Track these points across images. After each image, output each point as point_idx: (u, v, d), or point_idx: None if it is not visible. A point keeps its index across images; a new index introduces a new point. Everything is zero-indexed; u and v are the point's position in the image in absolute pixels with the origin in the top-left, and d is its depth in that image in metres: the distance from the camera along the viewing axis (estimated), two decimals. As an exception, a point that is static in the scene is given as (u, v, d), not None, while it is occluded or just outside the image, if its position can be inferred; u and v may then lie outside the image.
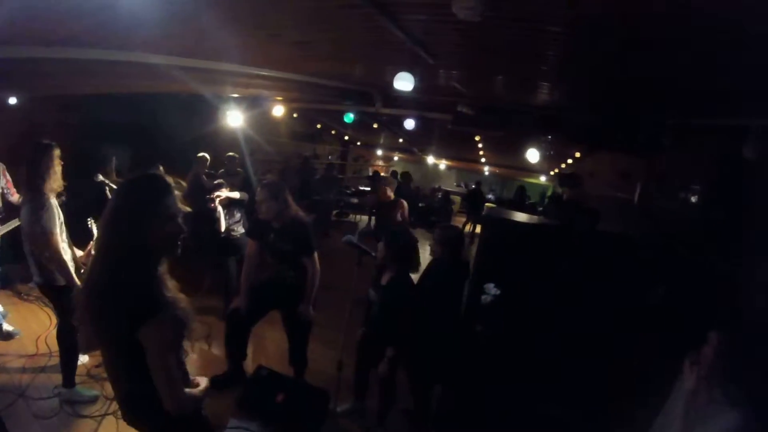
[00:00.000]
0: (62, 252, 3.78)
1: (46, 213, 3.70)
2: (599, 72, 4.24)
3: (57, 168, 3.85)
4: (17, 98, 6.92)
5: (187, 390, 2.02)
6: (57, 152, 3.87)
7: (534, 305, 4.32)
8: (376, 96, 7.68)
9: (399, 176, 12.59)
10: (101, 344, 1.99)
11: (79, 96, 7.33)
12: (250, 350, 4.65)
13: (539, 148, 8.77)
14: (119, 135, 7.87)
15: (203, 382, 2.20)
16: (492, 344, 4.36)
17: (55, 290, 3.92)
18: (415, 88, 5.19)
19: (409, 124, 8.16)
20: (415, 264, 4.25)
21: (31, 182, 3.76)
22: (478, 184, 15.97)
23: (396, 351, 3.79)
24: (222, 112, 7.33)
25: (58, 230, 3.76)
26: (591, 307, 4.16)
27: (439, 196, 18.69)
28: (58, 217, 3.81)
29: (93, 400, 4.18)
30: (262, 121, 9.31)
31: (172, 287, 1.92)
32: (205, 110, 7.58)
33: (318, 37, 4.20)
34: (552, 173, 17.89)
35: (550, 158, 12.25)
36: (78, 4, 3.17)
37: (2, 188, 5.28)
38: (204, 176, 6.39)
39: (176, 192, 1.93)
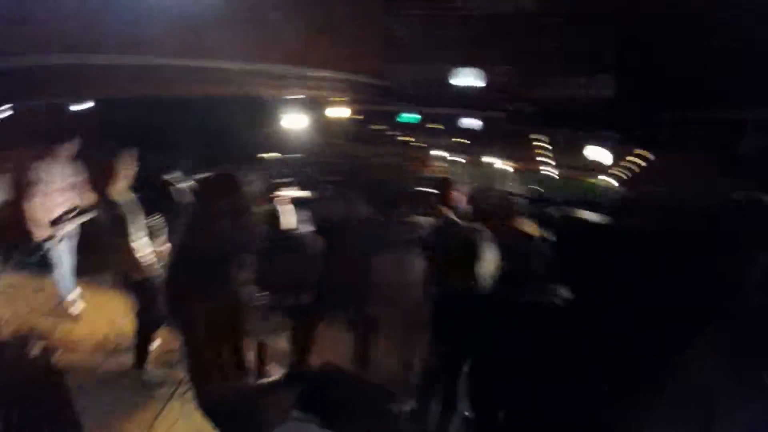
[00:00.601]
0: (136, 250, 4.05)
1: (118, 214, 4.01)
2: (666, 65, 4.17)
3: (124, 169, 4.12)
4: (89, 102, 7.42)
5: (225, 385, 2.22)
6: (122, 154, 4.14)
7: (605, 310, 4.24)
8: (431, 96, 7.75)
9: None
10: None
11: (147, 99, 7.71)
12: (316, 346, 4.81)
13: (595, 146, 8.59)
14: (184, 138, 8.23)
15: (274, 371, 2.26)
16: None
17: (131, 284, 4.26)
18: (472, 85, 5.22)
19: (466, 122, 8.21)
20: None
21: (100, 184, 4.12)
22: (541, 187, 15.78)
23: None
24: (284, 114, 7.53)
25: (130, 230, 4.03)
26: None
27: (499, 200, 18.33)
28: (132, 216, 4.06)
29: (160, 383, 4.52)
30: (320, 124, 9.50)
31: (237, 280, 2.09)
32: (269, 113, 7.80)
33: (371, 33, 4.25)
34: (611, 173, 17.29)
35: (609, 157, 11.98)
36: (148, 11, 3.35)
37: (79, 185, 5.71)
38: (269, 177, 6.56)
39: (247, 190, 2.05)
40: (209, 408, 2.31)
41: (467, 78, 4.71)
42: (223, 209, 2.05)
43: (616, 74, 4.81)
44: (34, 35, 4.08)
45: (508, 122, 7.61)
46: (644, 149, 9.16)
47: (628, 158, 11.67)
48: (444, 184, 7.78)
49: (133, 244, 4.05)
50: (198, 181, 2.11)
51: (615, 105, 6.43)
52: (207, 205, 2.08)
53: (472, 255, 4.12)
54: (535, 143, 12.54)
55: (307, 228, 6.00)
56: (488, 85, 5.95)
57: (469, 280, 3.97)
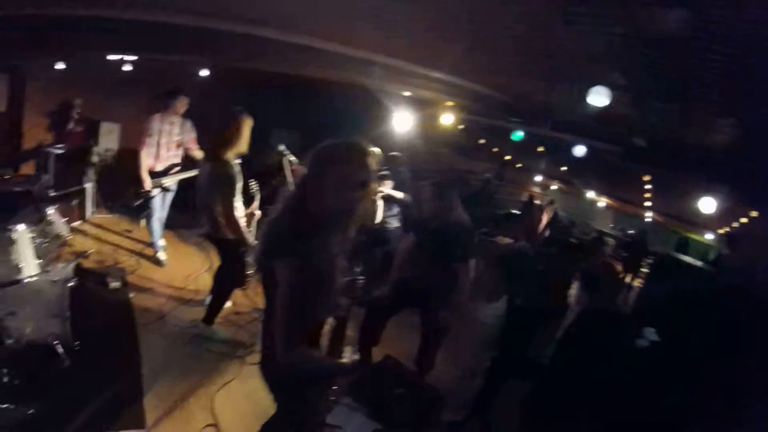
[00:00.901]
0: (236, 211, 4.14)
1: (228, 176, 4.07)
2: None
3: (245, 134, 4.21)
4: (209, 70, 7.75)
5: (311, 351, 2.03)
6: (247, 120, 4.22)
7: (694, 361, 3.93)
8: (547, 117, 7.49)
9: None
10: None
11: (266, 74, 7.93)
12: (381, 339, 4.69)
13: (716, 199, 7.92)
14: (293, 118, 8.41)
15: (350, 355, 2.18)
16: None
17: (223, 242, 4.34)
18: (591, 113, 4.98)
19: (579, 151, 7.82)
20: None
21: (217, 145, 4.16)
22: (642, 233, 15.14)
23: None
24: (393, 111, 7.48)
25: (236, 193, 4.11)
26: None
27: (593, 236, 17.74)
28: (237, 180, 4.13)
29: (224, 340, 4.67)
30: (425, 128, 9.41)
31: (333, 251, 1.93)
32: (375, 106, 7.78)
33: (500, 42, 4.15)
34: (721, 232, 16.17)
35: (722, 215, 11.19)
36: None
37: (187, 143, 6.09)
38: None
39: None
40: (268, 373, 2.21)
41: (609, 95, 4.41)
42: (346, 175, 1.90)
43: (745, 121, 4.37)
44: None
45: (621, 157, 7.19)
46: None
47: (742, 219, 10.87)
48: (532, 209, 7.46)
49: (235, 204, 4.14)
50: (323, 146, 1.97)
51: (738, 157, 5.87)
52: (330, 171, 1.92)
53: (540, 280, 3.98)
54: (644, 183, 11.93)
55: (394, 224, 5.99)
56: (610, 113, 5.57)
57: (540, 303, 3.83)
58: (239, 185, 4.16)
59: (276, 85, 8.57)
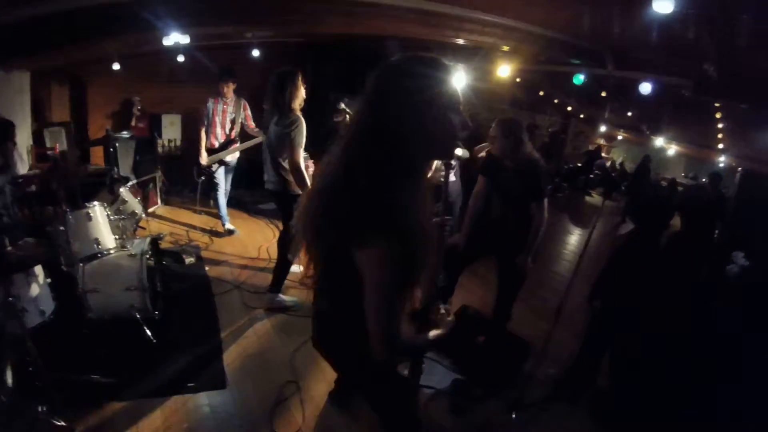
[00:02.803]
0: (302, 161, 4.29)
1: (296, 128, 4.22)
2: None
3: (301, 89, 4.35)
4: (259, 51, 7.88)
5: (405, 335, 1.70)
6: (299, 76, 4.35)
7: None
8: (607, 55, 7.13)
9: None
10: (314, 256, 1.80)
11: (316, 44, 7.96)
12: (458, 290, 4.61)
13: None
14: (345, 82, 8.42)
15: (443, 316, 1.97)
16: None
17: (290, 197, 4.45)
18: (652, 44, 4.67)
19: (644, 88, 7.38)
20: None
21: (278, 101, 4.30)
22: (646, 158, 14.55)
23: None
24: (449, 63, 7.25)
25: (303, 142, 4.28)
26: None
27: (665, 185, 17.03)
28: (303, 130, 4.29)
29: (294, 306, 4.76)
30: (484, 84, 9.16)
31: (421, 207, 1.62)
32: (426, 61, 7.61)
33: None
34: None
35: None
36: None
37: (242, 120, 6.64)
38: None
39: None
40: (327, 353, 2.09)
41: (659, 9, 4.04)
42: (429, 92, 1.59)
43: None
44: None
45: (695, 90, 6.70)
46: None
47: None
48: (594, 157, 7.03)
49: (301, 159, 4.31)
50: (392, 61, 1.66)
51: None
52: (405, 87, 1.59)
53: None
54: (717, 121, 11.19)
55: (453, 177, 5.86)
56: (680, 45, 5.19)
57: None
58: (304, 137, 4.31)
59: (327, 53, 8.65)
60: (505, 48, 7.59)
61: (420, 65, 1.58)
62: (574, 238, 9.32)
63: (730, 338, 3.65)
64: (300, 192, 4.27)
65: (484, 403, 3.65)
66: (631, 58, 6.91)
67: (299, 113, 4.31)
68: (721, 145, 18.04)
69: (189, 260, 5.46)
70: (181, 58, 7.72)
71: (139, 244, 4.27)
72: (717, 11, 4.37)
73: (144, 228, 6.33)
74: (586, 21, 5.59)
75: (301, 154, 4.28)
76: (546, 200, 3.99)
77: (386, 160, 1.51)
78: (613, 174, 17.57)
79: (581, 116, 18.72)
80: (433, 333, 1.86)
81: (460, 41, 7.20)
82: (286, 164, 4.31)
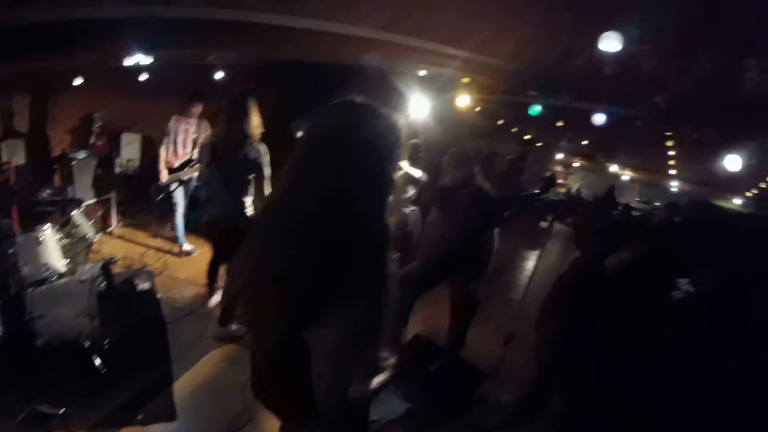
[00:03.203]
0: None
1: (261, 156, 4.10)
2: None
3: (254, 114, 4.19)
4: (225, 71, 7.79)
5: (353, 388, 1.58)
6: (251, 101, 4.20)
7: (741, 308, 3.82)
8: (564, 87, 7.34)
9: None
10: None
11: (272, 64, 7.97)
12: (413, 318, 4.63)
13: (743, 156, 7.53)
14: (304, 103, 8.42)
15: (389, 365, 1.91)
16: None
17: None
18: (608, 76, 4.84)
19: (598, 119, 7.60)
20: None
21: (230, 129, 4.17)
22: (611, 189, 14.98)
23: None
24: (408, 94, 7.40)
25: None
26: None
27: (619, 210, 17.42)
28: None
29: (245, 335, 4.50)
30: (444, 113, 9.30)
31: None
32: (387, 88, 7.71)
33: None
34: (749, 194, 15.59)
35: (752, 173, 10.78)
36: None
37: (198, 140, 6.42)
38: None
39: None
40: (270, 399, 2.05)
41: (621, 39, 4.21)
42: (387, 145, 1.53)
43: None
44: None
45: (646, 119, 6.98)
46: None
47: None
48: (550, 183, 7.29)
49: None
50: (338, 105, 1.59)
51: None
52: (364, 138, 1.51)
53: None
54: (668, 149, 11.60)
55: (411, 206, 5.94)
56: (633, 73, 5.38)
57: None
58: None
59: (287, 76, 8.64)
60: (465, 80, 7.79)
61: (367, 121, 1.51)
62: (531, 263, 9.46)
63: (679, 360, 3.79)
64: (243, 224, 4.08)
65: (439, 432, 3.68)
66: (586, 89, 7.14)
67: (259, 140, 4.17)
68: (673, 171, 18.68)
69: (142, 285, 5.33)
70: (144, 76, 7.60)
71: (91, 269, 4.21)
72: (667, 46, 4.58)
73: (97, 251, 6.14)
74: (543, 54, 5.77)
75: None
76: (497, 229, 4.10)
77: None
78: (570, 199, 17.96)
79: (539, 144, 19.14)
80: (376, 380, 1.79)
81: (422, 72, 7.36)
82: (247, 198, 4.20)
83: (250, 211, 4.21)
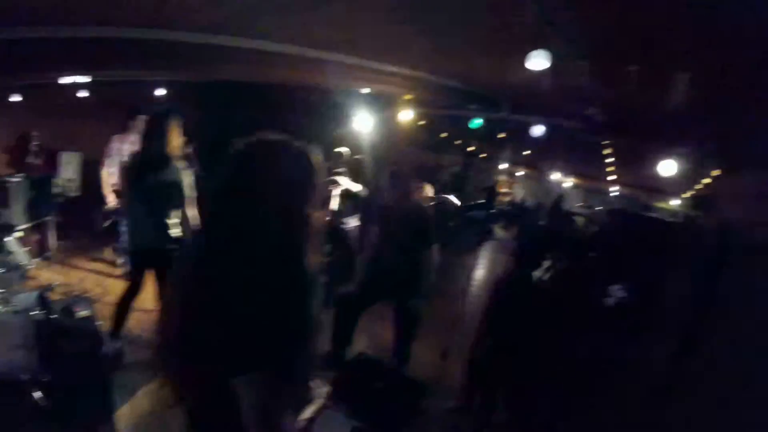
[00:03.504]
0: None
1: (181, 178, 3.99)
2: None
3: (176, 134, 4.02)
4: (165, 88, 7.70)
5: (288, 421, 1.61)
6: (172, 119, 4.02)
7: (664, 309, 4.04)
8: (503, 101, 7.55)
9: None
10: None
11: (214, 83, 7.90)
12: (355, 337, 4.67)
13: (675, 162, 7.96)
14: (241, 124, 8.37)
15: (321, 394, 1.88)
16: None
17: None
18: (544, 90, 4.98)
19: (537, 131, 7.84)
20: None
21: (150, 148, 3.99)
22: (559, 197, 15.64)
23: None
24: (350, 110, 7.53)
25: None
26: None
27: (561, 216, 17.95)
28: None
29: None
30: (388, 127, 9.41)
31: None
32: (332, 107, 7.77)
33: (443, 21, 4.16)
34: (685, 195, 16.33)
35: (685, 177, 11.32)
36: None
37: None
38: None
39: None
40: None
41: (549, 57, 4.36)
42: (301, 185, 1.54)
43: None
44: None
45: (582, 131, 7.25)
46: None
47: (706, 179, 10.94)
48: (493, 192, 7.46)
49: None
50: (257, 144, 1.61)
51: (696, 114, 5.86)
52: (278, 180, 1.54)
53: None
54: (605, 156, 12.01)
55: (354, 219, 5.98)
56: (567, 87, 5.60)
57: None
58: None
59: (231, 94, 8.56)
60: (407, 96, 7.92)
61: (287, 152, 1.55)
62: (478, 273, 9.60)
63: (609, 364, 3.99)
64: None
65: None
66: (524, 103, 7.35)
67: (180, 160, 4.04)
68: (611, 177, 19.34)
69: (81, 313, 5.14)
70: (83, 93, 7.46)
71: (26, 299, 4.06)
72: (599, 60, 4.78)
73: (34, 278, 5.86)
74: (480, 69, 5.92)
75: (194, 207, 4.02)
76: (435, 245, 4.18)
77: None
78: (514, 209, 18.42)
79: (482, 155, 19.54)
80: (309, 410, 1.79)
81: (365, 90, 7.45)
82: (171, 219, 4.02)
83: (175, 234, 4.03)
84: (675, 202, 19.41)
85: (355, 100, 7.47)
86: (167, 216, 3.99)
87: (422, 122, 11.40)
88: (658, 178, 10.28)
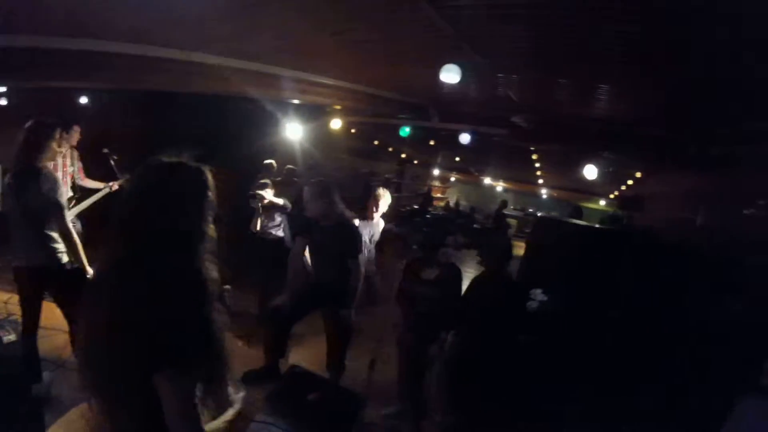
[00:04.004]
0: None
1: (54, 187, 3.73)
2: (668, 74, 4.11)
3: (52, 143, 3.85)
4: (88, 96, 7.46)
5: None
6: (53, 129, 3.85)
7: (585, 312, 4.23)
8: (431, 109, 7.72)
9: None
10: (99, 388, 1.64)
11: (142, 92, 7.72)
12: (288, 349, 4.66)
13: (599, 166, 8.42)
14: (174, 136, 8.18)
15: (235, 403, 1.91)
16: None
17: (65, 274, 3.85)
18: (470, 99, 5.12)
19: (464, 138, 8.02)
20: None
21: (24, 157, 3.76)
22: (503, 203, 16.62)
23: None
24: (281, 120, 7.55)
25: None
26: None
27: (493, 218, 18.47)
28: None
29: None
30: (320, 136, 9.44)
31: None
32: (262, 116, 7.73)
33: (366, 35, 4.25)
34: (612, 196, 17.34)
35: (611, 179, 11.92)
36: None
37: (74, 173, 5.69)
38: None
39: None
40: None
41: (460, 72, 4.54)
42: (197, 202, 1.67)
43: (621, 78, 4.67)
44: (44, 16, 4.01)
45: (509, 137, 7.51)
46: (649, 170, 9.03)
47: (629, 181, 11.63)
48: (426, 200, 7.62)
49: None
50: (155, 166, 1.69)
51: (622, 120, 6.23)
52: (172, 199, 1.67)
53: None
54: (534, 161, 12.53)
55: (281, 231, 5.95)
56: (491, 98, 5.85)
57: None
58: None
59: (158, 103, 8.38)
60: (337, 107, 8.01)
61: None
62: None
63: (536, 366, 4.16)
64: (75, 264, 3.77)
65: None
66: (451, 111, 7.54)
67: (50, 169, 3.80)
68: (540, 180, 20.11)
69: (8, 338, 4.93)
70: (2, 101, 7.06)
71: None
72: (520, 71, 5.00)
73: None
74: (407, 80, 6.05)
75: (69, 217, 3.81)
76: (360, 255, 4.24)
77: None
78: (449, 213, 18.77)
79: (415, 162, 19.91)
80: (226, 415, 1.85)
81: (295, 101, 7.46)
82: (54, 233, 3.76)
83: (60, 249, 3.76)
84: (603, 202, 20.56)
85: (284, 111, 7.48)
86: (45, 230, 3.73)
87: (354, 130, 11.53)
88: (584, 181, 10.83)
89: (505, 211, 18.90)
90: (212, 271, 1.61)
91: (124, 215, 1.61)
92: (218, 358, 1.57)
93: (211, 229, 1.65)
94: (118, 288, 1.52)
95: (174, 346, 1.48)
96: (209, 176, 1.68)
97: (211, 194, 1.66)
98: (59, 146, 3.90)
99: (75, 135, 5.53)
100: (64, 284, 3.81)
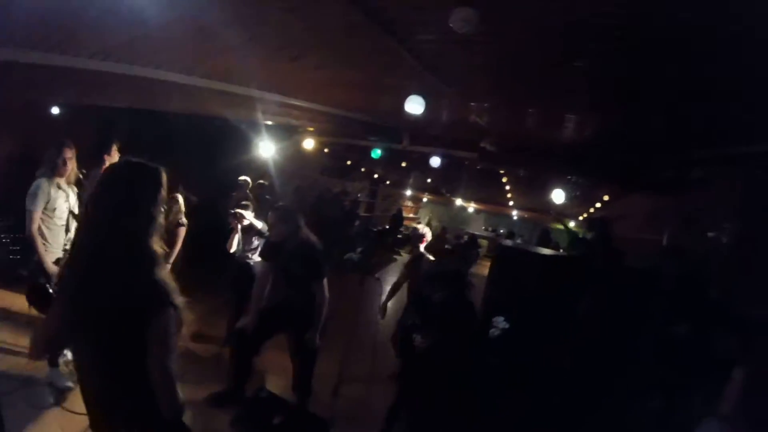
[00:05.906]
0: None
1: None
2: (630, 103, 4.21)
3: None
4: (59, 108, 7.32)
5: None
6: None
7: (548, 340, 4.26)
8: (403, 132, 7.77)
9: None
10: (83, 345, 1.85)
11: (112, 110, 7.64)
12: (253, 372, 4.60)
13: (566, 190, 8.61)
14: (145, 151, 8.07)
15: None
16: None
17: None
18: (440, 123, 5.16)
19: (435, 161, 8.11)
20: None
21: None
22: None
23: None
24: (254, 140, 7.58)
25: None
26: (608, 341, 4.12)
27: (465, 240, 18.55)
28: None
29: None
30: (293, 155, 9.44)
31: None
32: (235, 136, 7.71)
33: (335, 60, 4.28)
34: (581, 218, 17.64)
35: (579, 202, 12.11)
36: (112, 18, 3.31)
37: None
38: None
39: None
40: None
41: (424, 103, 4.62)
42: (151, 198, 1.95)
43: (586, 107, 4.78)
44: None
45: (478, 161, 7.60)
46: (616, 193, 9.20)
47: (597, 203, 11.87)
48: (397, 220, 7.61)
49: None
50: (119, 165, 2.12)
51: (588, 145, 6.34)
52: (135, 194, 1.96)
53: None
54: (504, 184, 12.67)
55: (258, 258, 5.89)
56: (461, 123, 5.92)
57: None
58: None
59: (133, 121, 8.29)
60: (310, 128, 8.03)
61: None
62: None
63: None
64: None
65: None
66: (421, 135, 7.61)
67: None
68: (511, 202, 20.34)
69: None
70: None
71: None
72: (487, 99, 5.08)
73: None
74: (377, 103, 6.10)
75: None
76: (325, 279, 4.23)
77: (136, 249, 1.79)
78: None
79: (387, 182, 20.00)
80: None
81: (269, 122, 7.46)
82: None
83: None
84: (572, 224, 20.86)
85: (257, 131, 7.47)
86: None
87: (327, 150, 11.56)
88: (553, 203, 11.01)
89: (477, 233, 19.09)
90: (158, 247, 1.86)
91: (96, 198, 1.88)
92: (174, 306, 1.77)
93: (160, 217, 1.90)
94: (94, 255, 1.77)
95: (138, 296, 1.73)
96: (164, 175, 1.93)
97: (163, 190, 1.92)
98: None
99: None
100: None
